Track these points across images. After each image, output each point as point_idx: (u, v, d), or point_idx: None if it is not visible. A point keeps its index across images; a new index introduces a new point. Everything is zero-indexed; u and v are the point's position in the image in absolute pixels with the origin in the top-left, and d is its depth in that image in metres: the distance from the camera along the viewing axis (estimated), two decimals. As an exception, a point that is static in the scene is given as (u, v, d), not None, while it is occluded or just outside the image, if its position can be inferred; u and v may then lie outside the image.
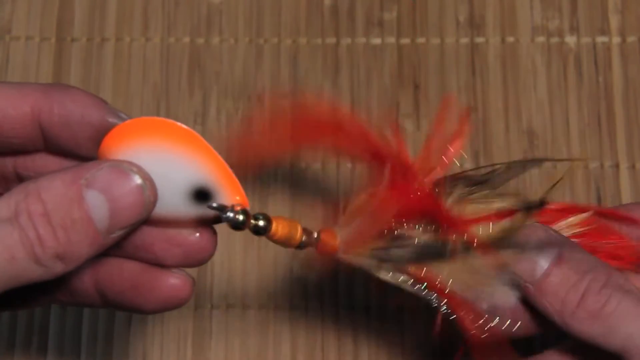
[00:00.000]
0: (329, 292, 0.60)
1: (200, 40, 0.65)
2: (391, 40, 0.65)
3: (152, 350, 0.60)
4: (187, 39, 0.65)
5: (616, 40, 0.65)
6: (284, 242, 0.43)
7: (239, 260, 0.61)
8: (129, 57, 0.65)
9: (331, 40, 0.65)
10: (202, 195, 0.40)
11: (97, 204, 0.38)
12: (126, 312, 0.59)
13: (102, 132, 0.40)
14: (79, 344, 0.60)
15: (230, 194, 0.40)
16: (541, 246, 0.45)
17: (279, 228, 0.42)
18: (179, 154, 0.40)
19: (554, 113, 0.64)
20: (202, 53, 0.65)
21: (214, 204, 0.40)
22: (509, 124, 0.63)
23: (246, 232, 0.62)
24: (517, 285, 0.45)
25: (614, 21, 0.65)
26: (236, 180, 0.40)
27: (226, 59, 0.65)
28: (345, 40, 0.65)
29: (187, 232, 0.41)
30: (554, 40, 0.65)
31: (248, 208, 0.41)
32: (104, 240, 0.38)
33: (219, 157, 0.40)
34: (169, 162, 0.40)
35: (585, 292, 0.43)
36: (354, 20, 0.66)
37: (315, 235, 0.44)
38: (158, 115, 0.64)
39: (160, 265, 0.41)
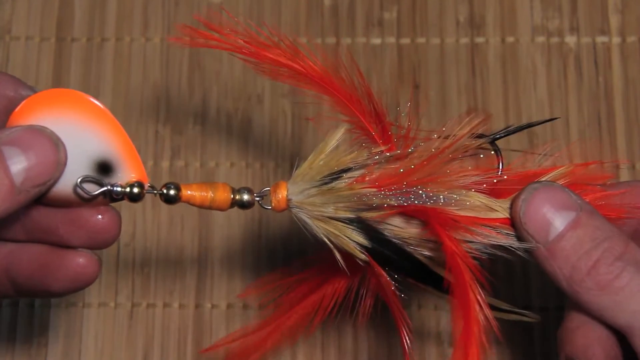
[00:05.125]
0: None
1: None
2: (391, 40, 0.65)
3: (152, 350, 0.60)
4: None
5: (616, 40, 0.65)
6: (213, 205, 0.43)
7: (239, 260, 0.61)
8: (129, 57, 0.65)
9: (331, 40, 0.65)
10: (104, 169, 0.42)
11: (14, 158, 0.39)
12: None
13: (16, 104, 0.41)
14: (79, 343, 0.60)
15: (131, 169, 0.42)
16: (558, 206, 0.43)
17: (194, 193, 0.43)
18: (86, 126, 0.41)
19: (554, 113, 0.63)
20: (202, 53, 0.65)
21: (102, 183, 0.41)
22: (509, 124, 0.63)
23: (247, 233, 0.62)
24: (527, 243, 0.43)
25: (614, 21, 0.65)
26: (137, 156, 0.42)
27: (226, 59, 0.65)
28: (345, 40, 0.65)
29: (89, 214, 0.42)
30: (554, 40, 0.65)
31: (145, 182, 0.42)
32: (19, 195, 0.39)
33: (125, 133, 0.42)
34: (76, 133, 0.41)
35: (598, 261, 0.42)
36: (354, 20, 0.66)
37: (263, 191, 0.44)
38: (158, 114, 0.64)
39: (67, 247, 0.42)
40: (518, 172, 0.46)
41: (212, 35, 0.46)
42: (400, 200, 0.43)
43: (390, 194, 0.43)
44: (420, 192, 0.43)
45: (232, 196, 0.44)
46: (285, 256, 0.61)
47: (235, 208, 0.44)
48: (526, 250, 0.43)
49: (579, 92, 0.64)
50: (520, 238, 0.44)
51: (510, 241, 0.44)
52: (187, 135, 0.63)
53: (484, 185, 0.45)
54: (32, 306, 0.60)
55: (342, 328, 0.60)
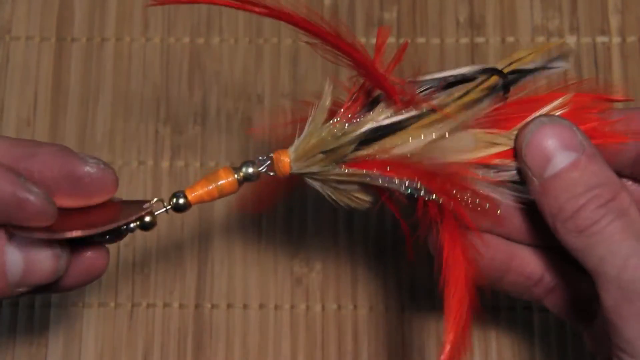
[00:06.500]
0: (329, 292, 0.61)
1: (200, 40, 0.65)
2: (391, 40, 0.65)
3: (152, 350, 0.60)
4: (187, 39, 0.66)
5: (616, 40, 0.65)
6: (223, 193, 0.44)
7: (239, 259, 0.61)
8: (129, 57, 0.65)
9: (331, 40, 0.65)
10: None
11: (14, 260, 0.40)
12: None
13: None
14: (79, 343, 0.60)
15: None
16: (561, 145, 0.43)
17: (198, 191, 0.44)
18: None
19: (554, 113, 0.63)
20: (202, 53, 0.65)
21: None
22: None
23: (248, 232, 0.62)
24: (524, 174, 0.44)
25: (614, 21, 0.65)
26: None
27: (226, 59, 0.65)
28: (345, 40, 0.65)
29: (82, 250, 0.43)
30: (554, 40, 0.65)
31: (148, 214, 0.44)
32: (10, 292, 0.41)
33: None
34: None
35: (583, 206, 0.42)
36: (354, 20, 0.66)
37: (262, 160, 0.45)
38: (158, 114, 0.64)
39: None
40: (519, 99, 0.47)
41: None
42: (401, 186, 0.44)
43: (390, 178, 0.44)
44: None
45: (236, 176, 0.44)
46: (285, 255, 0.61)
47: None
48: (524, 184, 0.44)
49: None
50: (519, 171, 0.45)
51: (511, 176, 0.45)
52: (187, 135, 0.64)
53: (486, 119, 0.46)
54: (32, 306, 0.60)
55: (343, 329, 0.60)
